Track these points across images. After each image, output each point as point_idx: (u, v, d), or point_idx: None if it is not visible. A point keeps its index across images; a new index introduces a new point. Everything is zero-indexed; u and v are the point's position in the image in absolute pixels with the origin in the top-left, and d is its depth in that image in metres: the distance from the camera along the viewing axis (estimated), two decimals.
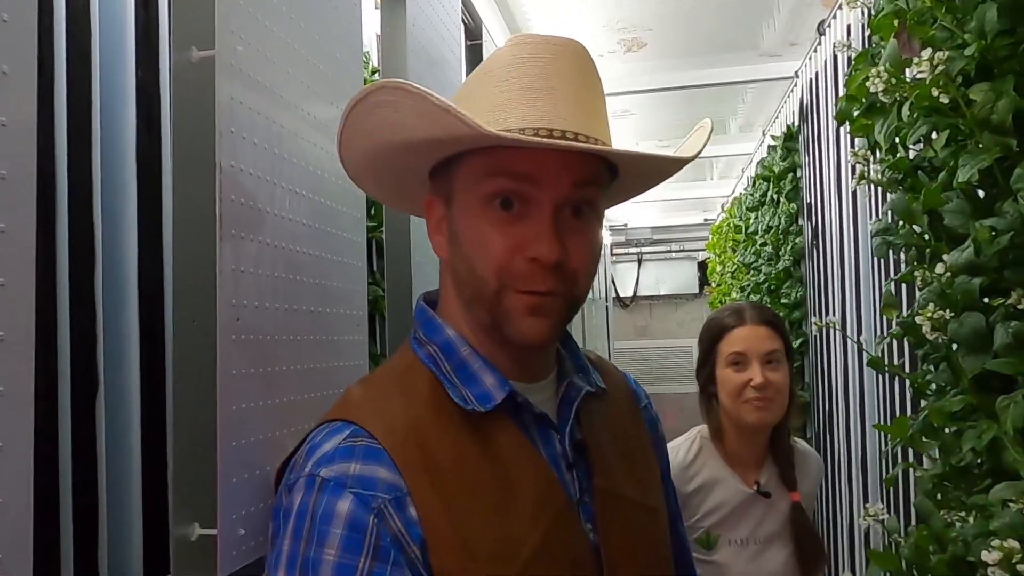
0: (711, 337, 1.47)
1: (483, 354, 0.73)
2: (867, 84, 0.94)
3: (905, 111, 0.93)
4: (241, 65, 0.84)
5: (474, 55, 2.13)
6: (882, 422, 1.94)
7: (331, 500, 0.63)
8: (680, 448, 1.46)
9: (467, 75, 2.06)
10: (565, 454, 0.74)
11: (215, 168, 0.80)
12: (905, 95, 0.93)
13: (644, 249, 7.69)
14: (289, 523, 0.64)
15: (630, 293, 7.81)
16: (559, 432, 0.74)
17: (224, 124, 0.81)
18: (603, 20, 2.83)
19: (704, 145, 0.79)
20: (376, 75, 1.76)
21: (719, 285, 5.44)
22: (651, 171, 0.79)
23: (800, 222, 3.06)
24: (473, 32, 2.14)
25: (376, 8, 1.78)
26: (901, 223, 1.01)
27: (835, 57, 2.41)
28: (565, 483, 0.72)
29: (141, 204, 1.09)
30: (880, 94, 0.93)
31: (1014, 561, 0.70)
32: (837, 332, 2.40)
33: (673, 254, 7.76)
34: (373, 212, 1.60)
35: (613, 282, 7.53)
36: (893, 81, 0.94)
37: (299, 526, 0.64)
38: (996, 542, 0.73)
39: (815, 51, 2.69)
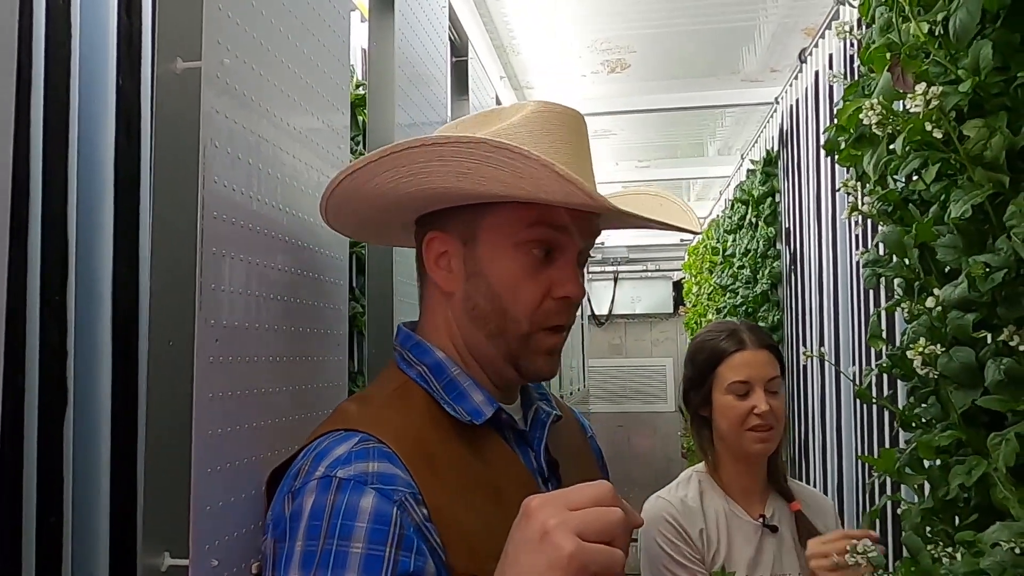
0: (708, 361, 1.38)
1: (471, 375, 0.80)
2: (860, 115, 0.94)
3: (898, 144, 0.93)
4: (227, 77, 0.82)
5: (459, 72, 2.12)
6: (860, 449, 1.94)
7: (353, 497, 0.65)
8: (680, 489, 1.39)
9: (451, 92, 2.05)
10: (541, 469, 0.83)
11: (198, 183, 0.77)
12: (898, 128, 0.93)
13: (620, 268, 7.72)
14: (300, 524, 0.65)
15: (605, 311, 7.82)
16: (534, 449, 0.83)
17: (208, 137, 0.78)
18: (587, 41, 2.84)
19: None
20: (360, 88, 1.74)
21: (695, 306, 5.47)
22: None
23: (778, 246, 3.08)
24: (459, 49, 2.13)
25: (363, 21, 1.76)
26: (892, 255, 1.01)
27: (816, 85, 2.44)
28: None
29: (118, 216, 1.05)
30: (873, 126, 0.93)
31: None
32: (815, 357, 2.41)
33: (649, 273, 7.79)
34: None
35: (589, 300, 7.54)
36: (886, 114, 0.94)
37: (314, 525, 0.64)
38: None
39: (796, 78, 2.73)
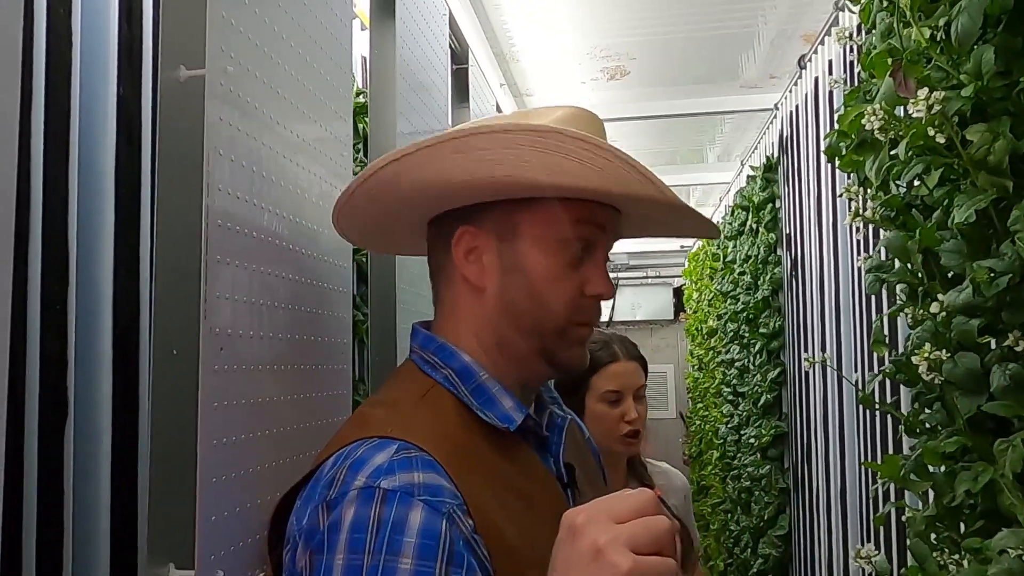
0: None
1: (498, 379, 0.78)
2: (863, 121, 0.94)
3: (901, 149, 0.92)
4: (231, 85, 0.82)
5: (460, 80, 2.12)
6: (862, 456, 1.93)
7: (401, 509, 0.63)
8: None
9: (452, 100, 2.05)
10: (561, 475, 0.81)
11: (202, 190, 0.77)
12: (901, 133, 0.93)
13: (620, 274, 7.71)
14: (340, 536, 0.62)
15: (606, 318, 7.81)
16: (553, 455, 0.82)
17: (212, 145, 0.78)
18: (587, 48, 2.84)
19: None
20: (361, 96, 1.74)
21: (695, 312, 5.46)
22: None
23: (779, 252, 3.08)
24: (459, 57, 2.14)
25: (363, 29, 1.77)
26: (895, 260, 1.01)
27: (816, 91, 2.45)
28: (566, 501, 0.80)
29: (119, 225, 1.05)
30: (876, 132, 0.93)
31: None
32: (817, 364, 2.41)
33: (649, 280, 7.79)
34: None
35: None
36: (888, 119, 0.94)
37: (357, 539, 0.62)
38: None
39: (795, 84, 2.73)
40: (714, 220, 4.99)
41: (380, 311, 1.32)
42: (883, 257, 1.09)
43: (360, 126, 1.66)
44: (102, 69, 1.05)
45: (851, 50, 1.90)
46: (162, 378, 0.78)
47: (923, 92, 0.87)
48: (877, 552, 0.97)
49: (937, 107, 0.86)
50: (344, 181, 1.12)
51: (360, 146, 1.65)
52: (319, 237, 1.03)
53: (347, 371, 1.10)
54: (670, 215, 0.83)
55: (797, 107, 2.72)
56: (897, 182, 1.06)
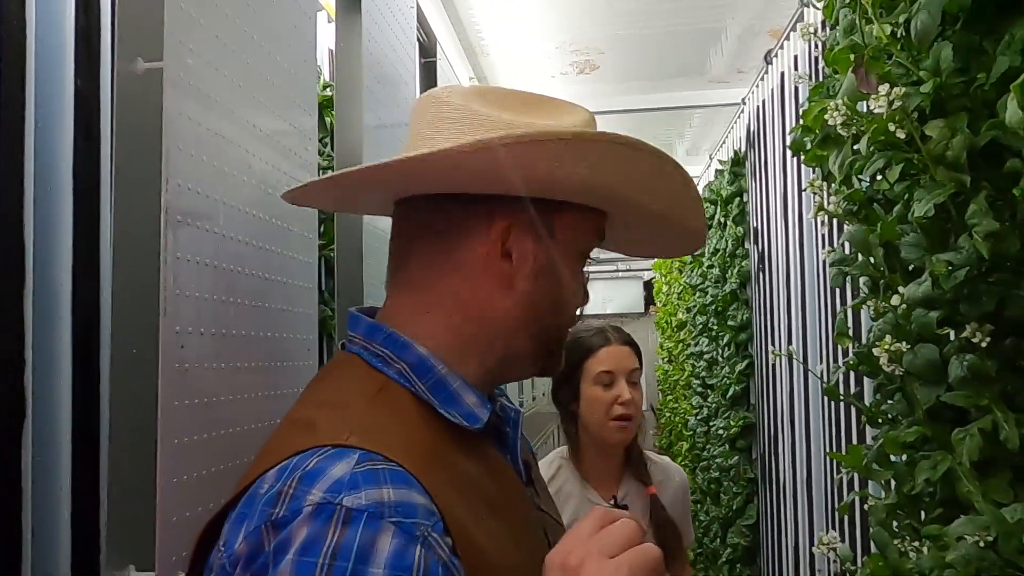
0: (576, 357, 1.51)
1: (459, 373, 0.70)
2: (826, 117, 0.95)
3: (863, 144, 0.94)
4: (191, 78, 0.80)
5: (428, 73, 2.11)
6: (828, 446, 1.97)
7: (367, 533, 0.53)
8: (540, 467, 1.50)
9: (420, 93, 2.04)
10: (520, 473, 0.76)
11: (160, 186, 0.75)
12: (862, 129, 0.94)
13: (591, 268, 7.74)
14: (286, 558, 0.53)
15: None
16: (510, 451, 0.76)
17: (171, 140, 0.76)
18: (556, 42, 2.84)
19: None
20: (328, 90, 1.72)
21: (665, 305, 5.51)
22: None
23: (746, 245, 3.11)
24: (427, 50, 2.12)
25: (330, 22, 1.75)
26: (858, 254, 1.03)
27: (782, 86, 2.47)
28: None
29: (77, 220, 1.03)
30: (838, 127, 0.94)
31: None
32: (783, 356, 2.44)
33: (620, 273, 7.84)
34: (323, 230, 1.56)
35: None
36: (851, 114, 0.95)
37: (306, 563, 0.52)
38: (952, 574, 0.73)
39: (762, 79, 2.76)
40: None
41: (347, 306, 1.31)
42: (846, 251, 1.10)
43: (327, 119, 1.64)
44: (58, 60, 1.03)
45: (816, 46, 1.92)
46: (122, 377, 0.76)
47: (884, 88, 0.88)
48: (840, 541, 0.99)
49: (897, 103, 0.87)
50: (309, 175, 1.10)
51: (328, 140, 1.64)
52: (283, 232, 1.02)
53: (313, 368, 1.09)
54: (661, 227, 0.81)
55: (764, 102, 2.75)
56: (859, 177, 1.08)
